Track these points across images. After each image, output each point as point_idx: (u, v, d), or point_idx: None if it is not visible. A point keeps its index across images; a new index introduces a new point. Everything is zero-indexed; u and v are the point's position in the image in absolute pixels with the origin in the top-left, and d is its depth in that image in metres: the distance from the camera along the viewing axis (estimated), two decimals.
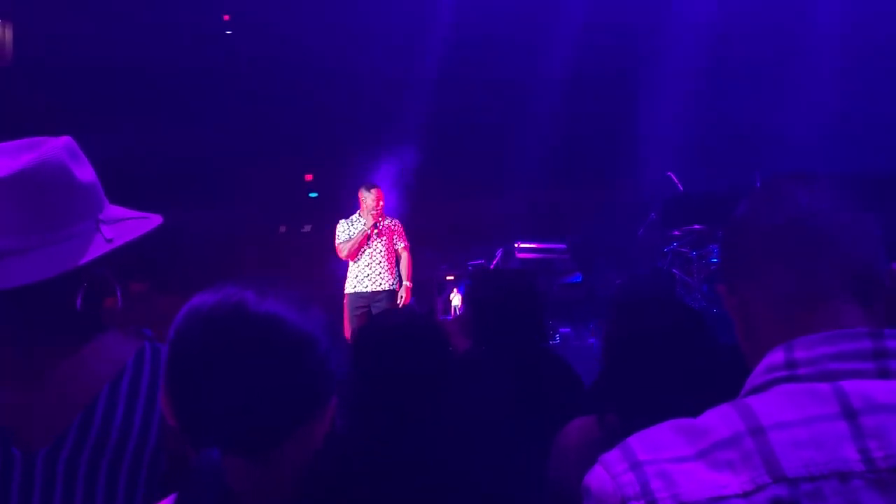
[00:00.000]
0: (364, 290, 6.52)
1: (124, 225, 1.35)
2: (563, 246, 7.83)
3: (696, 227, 7.31)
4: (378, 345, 1.94)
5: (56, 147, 1.29)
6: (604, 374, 1.85)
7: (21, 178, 1.24)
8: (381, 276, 6.55)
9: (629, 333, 1.78)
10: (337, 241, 6.57)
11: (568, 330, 7.00)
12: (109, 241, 1.30)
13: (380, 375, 1.88)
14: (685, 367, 1.68)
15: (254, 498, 0.94)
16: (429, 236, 6.99)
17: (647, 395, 1.67)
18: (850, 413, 0.79)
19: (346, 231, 6.57)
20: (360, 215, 6.62)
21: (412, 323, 1.99)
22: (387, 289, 6.55)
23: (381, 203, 6.56)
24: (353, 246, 6.50)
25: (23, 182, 1.24)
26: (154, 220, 1.40)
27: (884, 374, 0.82)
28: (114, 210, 1.38)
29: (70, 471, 1.22)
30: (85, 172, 1.33)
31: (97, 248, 1.29)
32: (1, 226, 1.23)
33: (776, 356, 0.87)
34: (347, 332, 6.40)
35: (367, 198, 6.55)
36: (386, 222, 6.67)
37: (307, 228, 10.16)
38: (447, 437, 1.89)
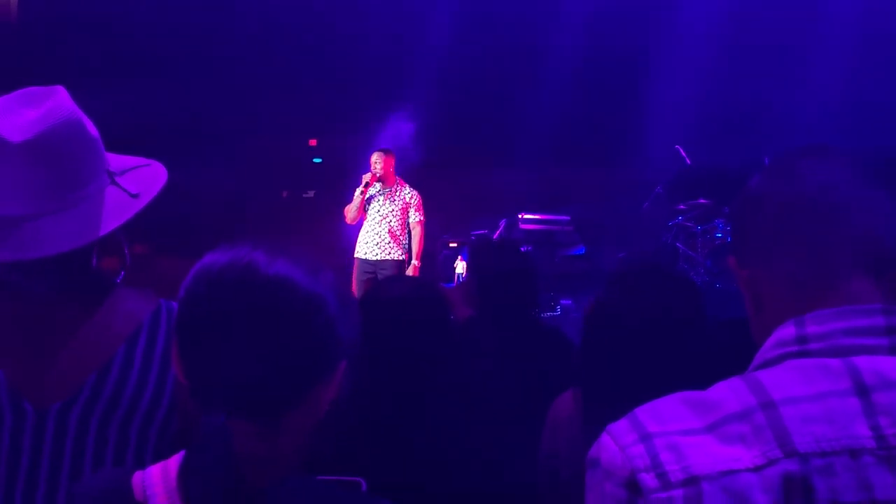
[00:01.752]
0: (373, 257, 6.48)
1: (136, 175, 1.34)
2: (566, 218, 7.81)
3: (702, 201, 7.30)
4: (380, 314, 1.94)
5: (66, 103, 1.27)
6: (587, 346, 1.84)
7: (44, 140, 1.22)
8: (390, 245, 6.48)
9: (617, 305, 1.77)
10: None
11: (569, 302, 7.00)
12: (135, 196, 1.30)
13: (381, 344, 1.88)
14: (672, 341, 1.67)
15: (260, 462, 0.94)
16: (432, 204, 6.95)
17: (636, 366, 1.66)
18: (862, 389, 0.78)
19: (358, 194, 6.53)
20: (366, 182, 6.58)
21: (415, 292, 1.98)
22: (394, 258, 6.46)
23: (379, 166, 6.44)
24: (352, 208, 6.47)
25: (46, 144, 1.22)
26: (157, 167, 1.38)
27: None
28: (113, 159, 1.37)
29: (81, 427, 1.23)
30: (91, 126, 1.31)
31: (129, 206, 1.28)
32: (25, 190, 1.22)
33: (787, 331, 0.86)
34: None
35: (373, 162, 6.49)
36: (404, 193, 6.56)
37: (310, 194, 10.12)
38: (447, 406, 1.89)
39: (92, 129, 1.30)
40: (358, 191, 6.50)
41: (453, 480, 1.76)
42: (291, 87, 9.15)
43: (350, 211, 6.51)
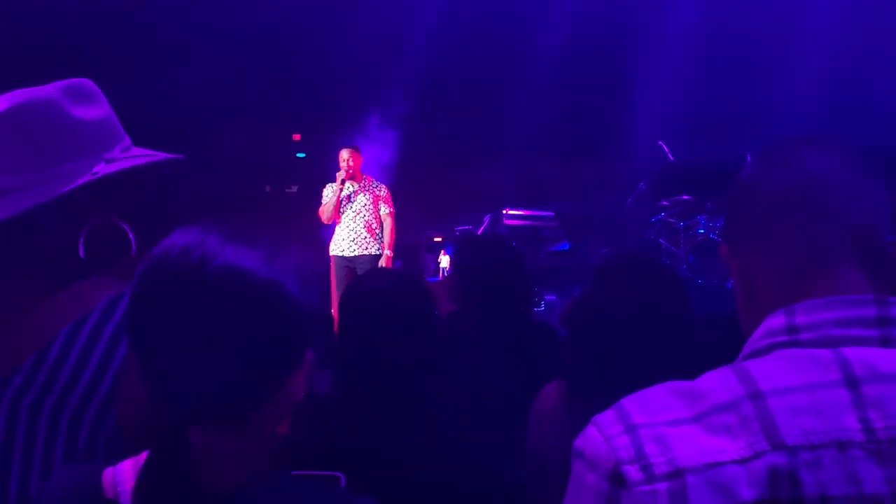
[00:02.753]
0: (350, 254, 6.50)
1: (122, 162, 1.31)
2: (551, 214, 7.81)
3: (685, 197, 7.31)
4: (363, 306, 1.92)
5: (52, 87, 1.27)
6: (575, 336, 1.83)
7: (4, 117, 1.22)
8: (366, 240, 6.50)
9: (605, 296, 1.76)
10: (322, 202, 6.54)
11: (553, 297, 7.00)
12: (94, 174, 1.26)
13: (365, 337, 1.86)
14: (658, 334, 1.68)
15: (228, 461, 0.90)
16: (417, 199, 6.94)
17: (620, 359, 1.66)
18: (851, 381, 0.77)
19: (328, 194, 6.54)
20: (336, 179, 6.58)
21: (398, 285, 1.96)
22: (371, 253, 6.50)
23: (351, 163, 6.47)
24: (328, 207, 6.48)
25: (7, 122, 1.22)
26: (157, 157, 1.36)
27: (886, 343, 0.80)
28: (137, 151, 1.35)
29: (13, 410, 1.20)
30: (89, 111, 1.29)
31: (77, 183, 1.24)
32: None
33: (777, 320, 0.85)
34: (334, 296, 6.42)
35: (341, 159, 6.53)
36: (373, 187, 6.62)
37: (293, 189, 10.08)
38: (431, 400, 1.87)
39: (81, 114, 1.28)
40: (331, 189, 6.52)
41: (438, 477, 1.74)
42: (275, 82, 9.09)
43: (326, 211, 6.51)
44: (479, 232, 7.71)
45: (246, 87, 8.97)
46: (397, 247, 6.84)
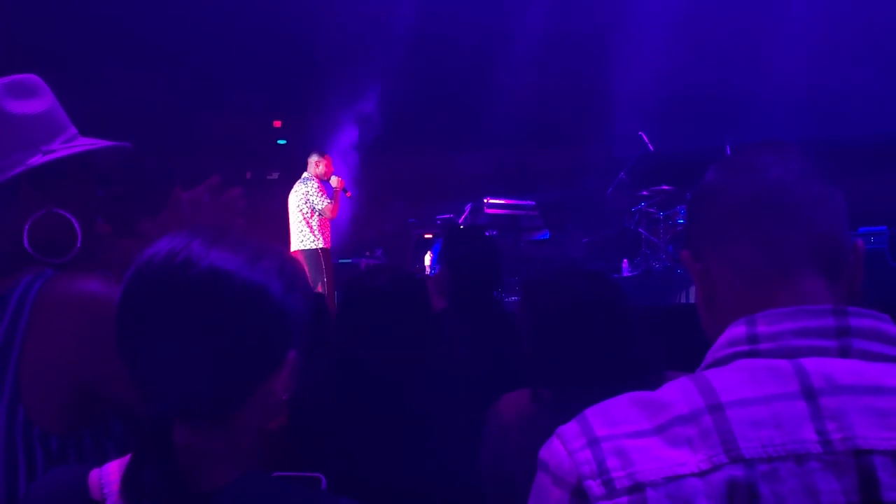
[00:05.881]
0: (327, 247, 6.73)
1: (59, 152, 1.31)
2: (531, 203, 7.83)
3: (665, 187, 7.35)
4: (363, 303, 1.93)
5: None
6: (529, 348, 1.84)
7: None
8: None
9: (547, 308, 1.77)
10: (323, 203, 6.60)
11: None
12: (27, 166, 1.27)
13: (364, 334, 1.87)
14: (604, 335, 1.68)
15: (211, 461, 0.92)
16: (398, 188, 6.93)
17: (574, 367, 1.67)
18: (809, 393, 0.78)
19: (317, 195, 6.64)
20: (311, 179, 6.70)
21: (398, 283, 1.98)
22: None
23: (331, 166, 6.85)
24: (336, 209, 6.71)
25: None
26: (96, 145, 1.35)
27: (845, 353, 0.81)
28: (81, 141, 1.35)
29: None
30: (28, 106, 1.30)
31: (9, 175, 1.26)
32: None
33: (738, 330, 0.86)
34: (331, 286, 6.51)
35: (323, 163, 6.74)
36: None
37: (274, 175, 10.05)
38: (425, 395, 1.88)
39: (18, 108, 1.28)
40: (337, 192, 6.76)
41: (422, 478, 1.75)
42: (256, 68, 9.03)
43: (337, 209, 6.73)
44: (461, 221, 7.72)
45: (227, 74, 8.91)
46: (381, 236, 6.93)
